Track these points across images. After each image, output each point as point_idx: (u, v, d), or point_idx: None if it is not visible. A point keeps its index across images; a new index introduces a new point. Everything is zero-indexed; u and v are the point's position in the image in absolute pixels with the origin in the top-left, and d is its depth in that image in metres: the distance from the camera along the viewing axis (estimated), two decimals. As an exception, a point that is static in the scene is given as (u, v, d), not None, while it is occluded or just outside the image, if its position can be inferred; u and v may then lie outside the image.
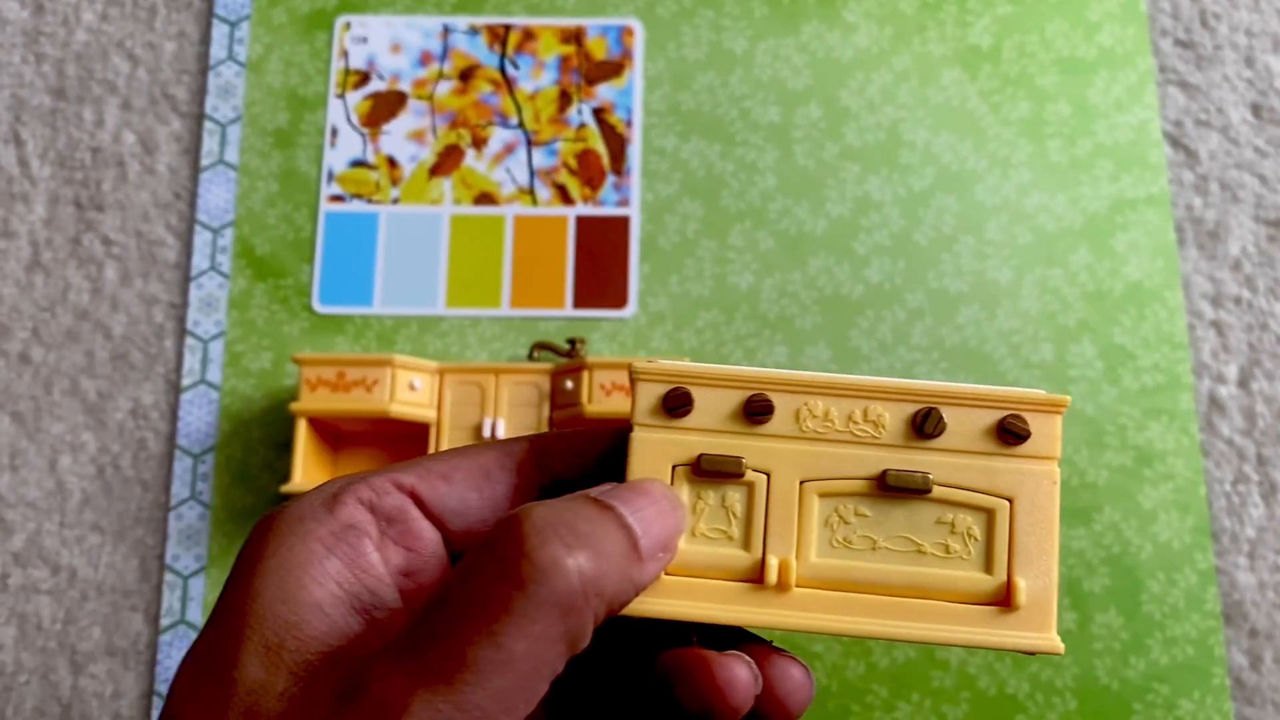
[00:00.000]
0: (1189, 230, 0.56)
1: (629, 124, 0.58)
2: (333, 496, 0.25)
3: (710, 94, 0.58)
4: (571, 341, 0.53)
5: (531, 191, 0.57)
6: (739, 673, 0.24)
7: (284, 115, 0.58)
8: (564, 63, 0.59)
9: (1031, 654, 0.28)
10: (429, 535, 0.25)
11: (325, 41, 0.59)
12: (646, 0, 0.59)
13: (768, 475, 0.26)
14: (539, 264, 0.56)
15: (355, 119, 0.58)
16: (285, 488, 0.49)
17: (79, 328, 0.55)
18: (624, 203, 0.56)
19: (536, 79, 0.58)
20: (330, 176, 0.57)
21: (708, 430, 0.27)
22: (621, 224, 0.56)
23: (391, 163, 0.57)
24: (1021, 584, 0.25)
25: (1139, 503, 0.52)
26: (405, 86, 0.58)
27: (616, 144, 0.57)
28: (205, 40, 0.59)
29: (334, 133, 0.58)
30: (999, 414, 0.26)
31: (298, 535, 0.24)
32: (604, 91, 0.58)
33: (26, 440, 0.54)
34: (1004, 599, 0.25)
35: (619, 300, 0.55)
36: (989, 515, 0.26)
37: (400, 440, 0.52)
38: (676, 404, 0.26)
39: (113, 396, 0.54)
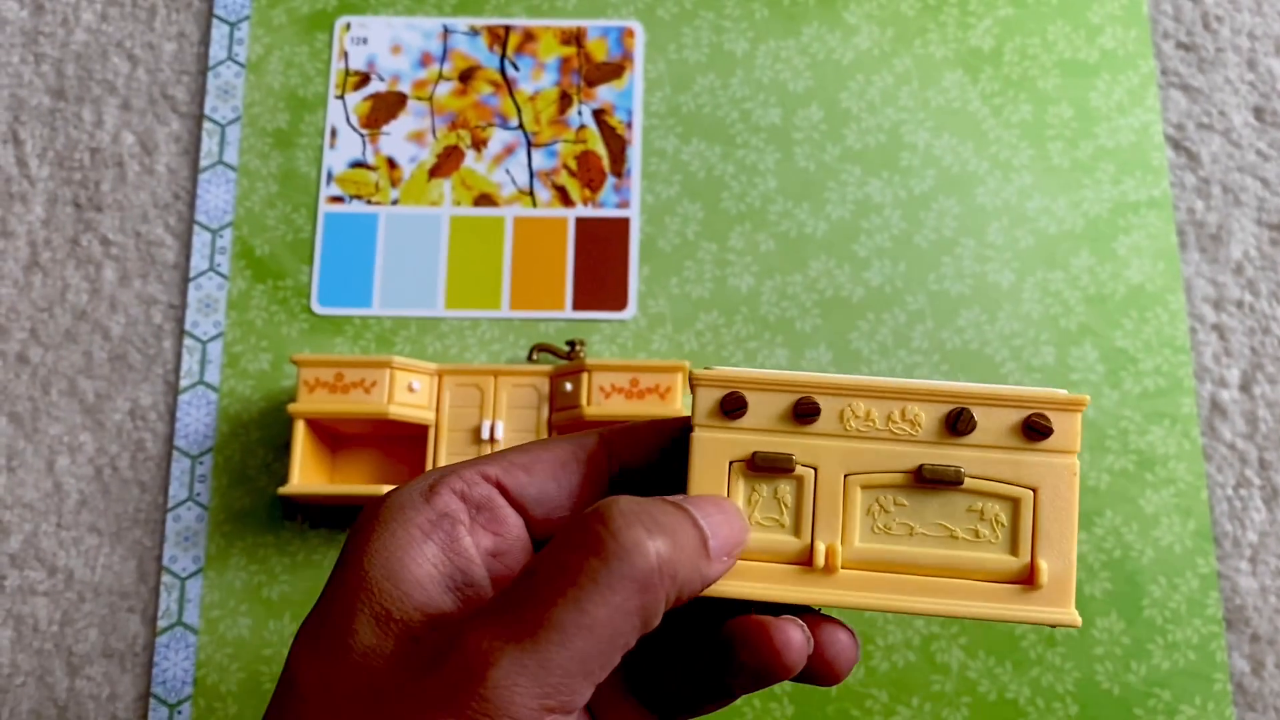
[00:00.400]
0: (1191, 233, 0.56)
1: (629, 125, 0.57)
2: (430, 487, 0.28)
3: (711, 96, 0.58)
4: (571, 343, 0.53)
5: (531, 193, 0.57)
6: (794, 635, 0.27)
7: (283, 116, 0.58)
8: (564, 64, 0.58)
9: (1054, 627, 0.32)
10: (514, 521, 0.29)
11: (325, 42, 0.59)
12: (647, 2, 0.59)
13: (815, 469, 0.30)
14: (539, 266, 0.55)
15: (355, 120, 0.58)
16: (283, 489, 0.48)
17: (77, 328, 0.55)
18: (624, 204, 0.56)
19: (536, 80, 0.58)
20: (330, 177, 0.57)
21: (761, 430, 0.30)
22: (621, 226, 0.56)
23: (391, 164, 0.57)
24: (1044, 565, 0.28)
25: (1140, 507, 0.52)
26: (405, 87, 0.58)
27: (616, 146, 0.57)
28: (205, 41, 0.59)
29: (334, 133, 0.57)
30: (1024, 412, 0.29)
31: (399, 521, 0.27)
32: (604, 93, 0.58)
33: (24, 441, 0.54)
34: (1028, 578, 0.28)
35: (619, 302, 0.55)
36: (1015, 504, 0.29)
37: (399, 442, 0.52)
38: (733, 406, 0.30)
39: (111, 397, 0.54)
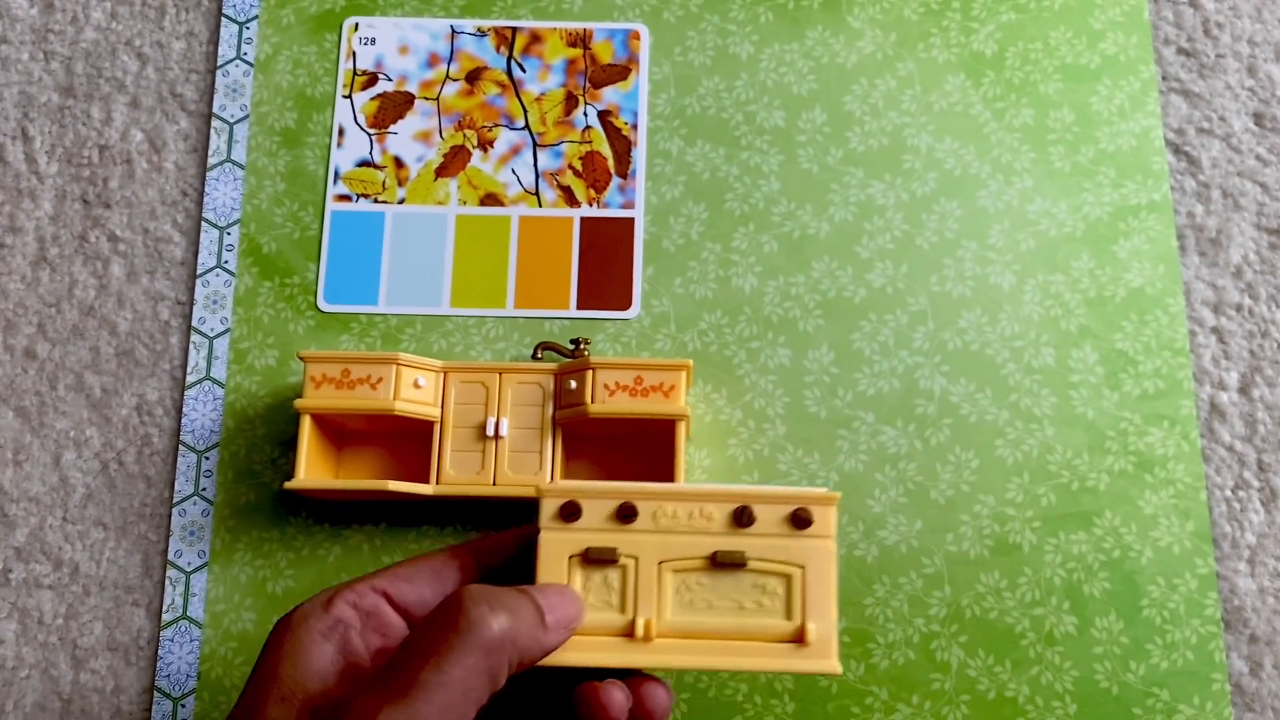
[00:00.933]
0: (1190, 237, 0.56)
1: (634, 127, 0.58)
2: (328, 600, 0.36)
3: (715, 98, 0.58)
4: (575, 341, 0.53)
5: (537, 193, 0.57)
6: (615, 694, 0.36)
7: (291, 115, 0.58)
8: (570, 66, 0.59)
9: (820, 675, 0.42)
10: (398, 623, 0.37)
11: (333, 42, 0.59)
12: (653, 5, 0.60)
13: (636, 559, 0.38)
14: (544, 265, 0.56)
15: (362, 119, 0.58)
16: (289, 484, 0.49)
17: (85, 324, 0.55)
18: (629, 205, 0.57)
19: (543, 81, 0.59)
20: (337, 176, 0.57)
21: (593, 529, 0.38)
22: (626, 226, 0.56)
23: (398, 163, 0.57)
24: (811, 626, 0.36)
25: (1139, 508, 0.52)
26: (412, 88, 0.59)
27: (622, 147, 0.58)
28: (214, 40, 0.59)
29: (341, 133, 0.58)
30: (792, 507, 0.38)
31: (304, 628, 0.35)
32: (610, 95, 0.58)
33: (30, 435, 0.54)
34: (799, 637, 0.36)
35: (623, 302, 0.55)
36: (788, 579, 0.37)
37: (404, 438, 0.53)
38: (570, 512, 0.38)
39: (117, 392, 0.54)
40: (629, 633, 0.37)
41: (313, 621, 0.36)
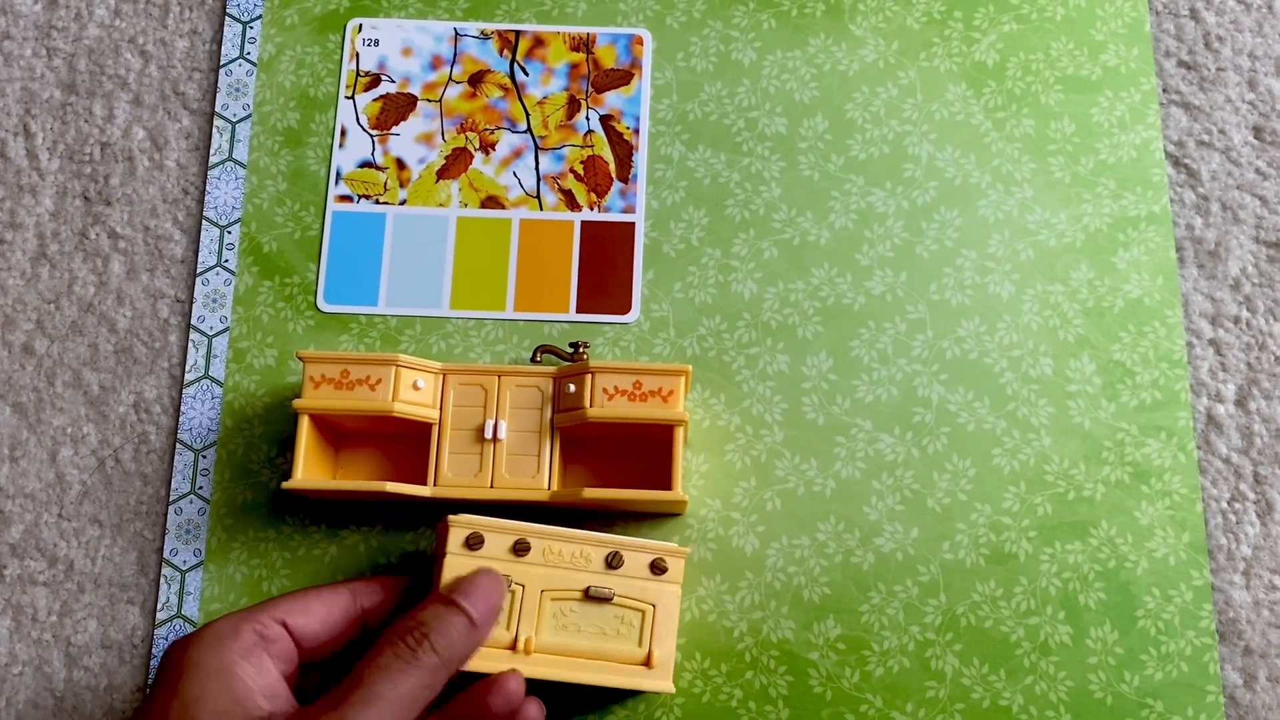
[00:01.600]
0: (1189, 249, 0.56)
1: (636, 132, 0.58)
2: (234, 627, 0.40)
3: (717, 104, 0.58)
4: (575, 345, 0.53)
5: (538, 196, 0.57)
6: (510, 681, 0.44)
7: (294, 115, 0.58)
8: (573, 70, 0.59)
9: (658, 692, 0.49)
10: (293, 652, 0.42)
11: (337, 43, 0.59)
12: (656, 10, 0.60)
13: (524, 587, 0.46)
14: (544, 268, 0.56)
15: (365, 120, 0.58)
16: (287, 484, 0.49)
17: (84, 320, 0.55)
18: (629, 209, 0.57)
19: (546, 85, 0.59)
20: (339, 176, 0.57)
21: (492, 558, 0.46)
22: (627, 230, 0.56)
23: (400, 164, 0.57)
24: (656, 652, 0.46)
25: (1135, 518, 0.52)
26: (415, 89, 0.59)
27: (623, 151, 0.58)
28: (217, 39, 0.59)
29: (343, 133, 0.58)
30: (652, 556, 0.47)
31: (218, 651, 0.39)
32: (612, 99, 0.59)
33: (28, 431, 0.54)
34: (647, 661, 0.46)
35: (623, 306, 0.55)
36: (643, 614, 0.46)
37: (402, 440, 0.53)
38: (475, 542, 0.46)
39: (115, 390, 0.54)
40: (512, 646, 0.45)
41: (229, 643, 0.39)
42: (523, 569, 0.46)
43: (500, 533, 0.46)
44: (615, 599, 0.46)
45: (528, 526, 0.46)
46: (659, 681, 0.46)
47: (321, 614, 0.43)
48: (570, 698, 0.50)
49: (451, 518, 0.46)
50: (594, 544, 0.47)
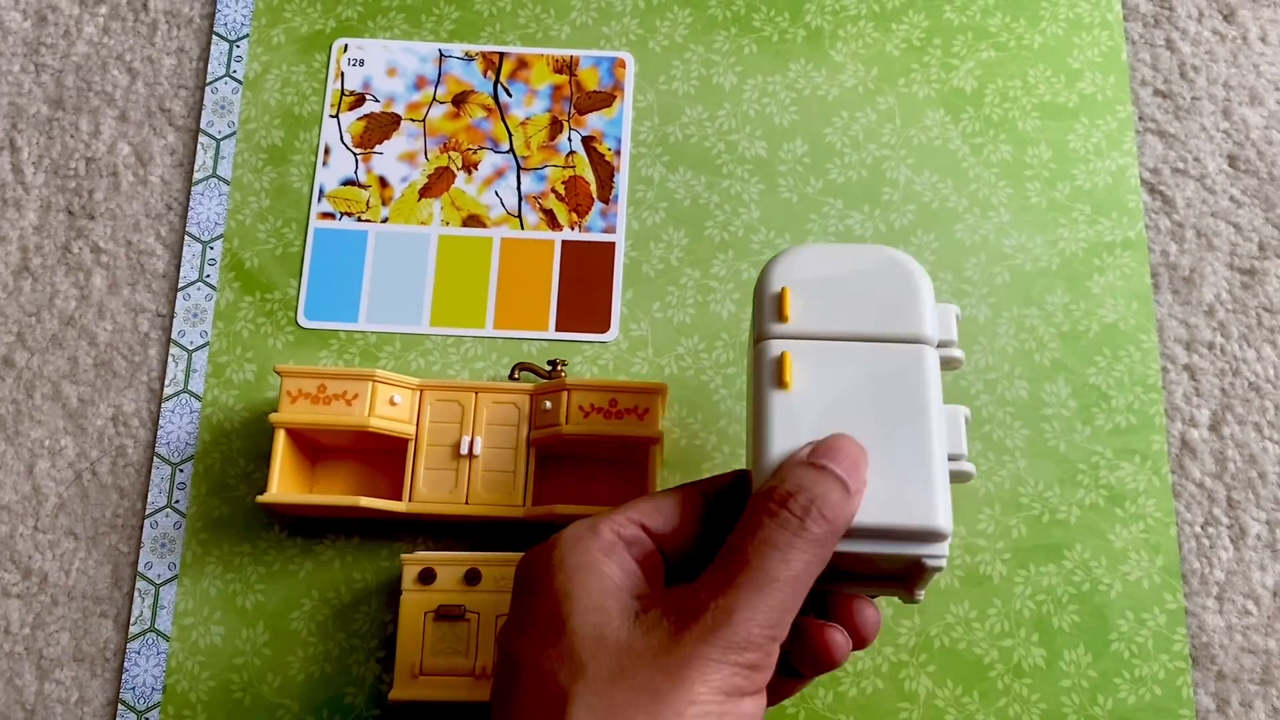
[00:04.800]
0: (1164, 275, 0.57)
1: (618, 153, 0.59)
2: (592, 527, 0.37)
3: (698, 127, 0.59)
4: (552, 363, 0.53)
5: (519, 215, 0.57)
6: (836, 637, 0.39)
7: (278, 133, 0.59)
8: (556, 91, 0.60)
9: None
10: (654, 551, 0.38)
11: (322, 63, 0.60)
12: (639, 34, 0.61)
13: (479, 614, 0.47)
14: (524, 287, 0.56)
15: (349, 139, 0.59)
16: (261, 498, 0.49)
17: (64, 334, 0.56)
18: (610, 229, 0.57)
19: (528, 106, 0.59)
20: (321, 194, 0.58)
21: (446, 590, 0.47)
22: (607, 250, 0.57)
23: (383, 182, 0.58)
24: None
25: (1109, 541, 0.52)
26: (399, 109, 0.59)
27: (605, 172, 0.58)
28: (204, 57, 0.60)
29: (327, 151, 0.58)
30: None
31: (582, 550, 0.37)
32: (594, 121, 0.59)
33: (5, 443, 0.54)
34: None
35: (602, 325, 0.56)
36: None
37: (378, 455, 0.53)
38: (427, 577, 0.48)
39: (94, 403, 0.55)
40: (471, 673, 0.46)
41: (588, 542, 0.37)
42: (476, 597, 0.47)
43: (451, 564, 0.48)
44: None
45: (478, 556, 0.47)
46: None
47: (672, 513, 0.39)
48: None
49: (404, 556, 0.48)
50: None
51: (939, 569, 0.37)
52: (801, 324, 0.39)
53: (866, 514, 0.36)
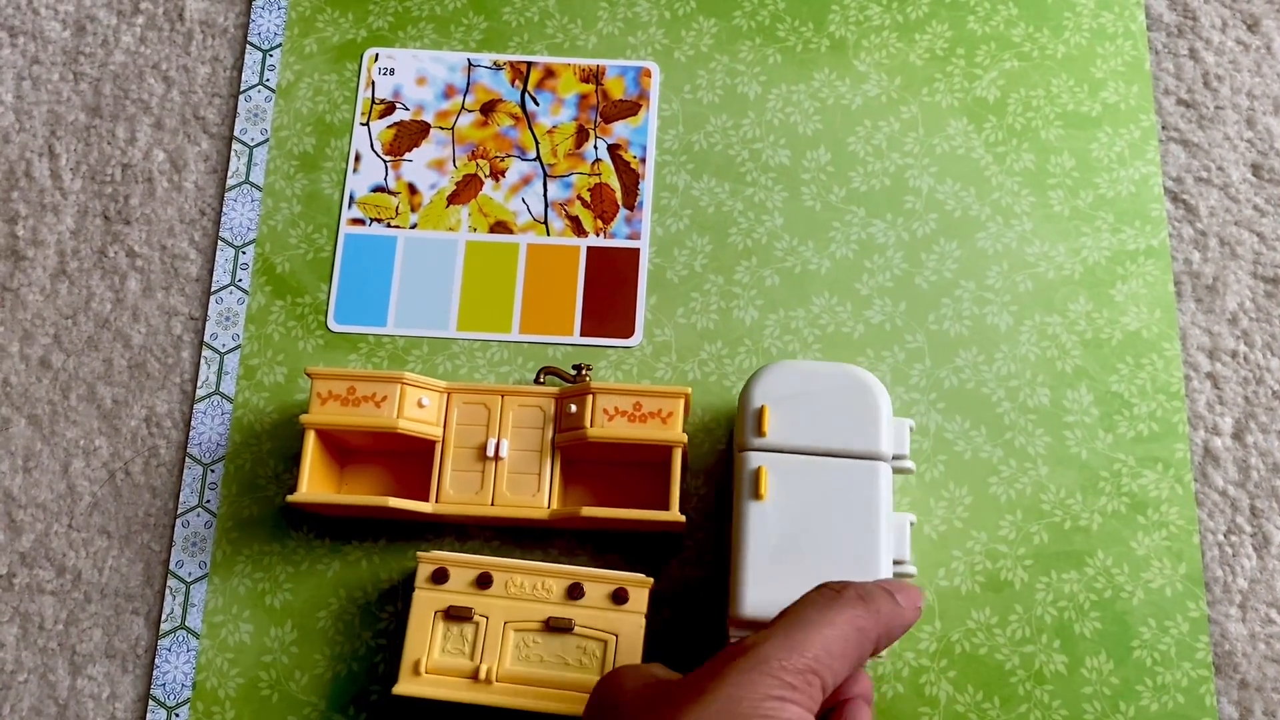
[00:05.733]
0: (1187, 284, 0.57)
1: (643, 161, 0.59)
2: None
3: (723, 135, 0.60)
4: (577, 367, 0.54)
5: (545, 222, 0.58)
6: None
7: (310, 140, 0.60)
8: (583, 100, 0.60)
9: None
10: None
11: (353, 72, 0.61)
12: (665, 44, 0.61)
13: (487, 618, 0.47)
14: (550, 292, 0.57)
15: (379, 146, 0.60)
16: (292, 498, 0.50)
17: (99, 336, 0.57)
18: (634, 236, 0.58)
19: (555, 115, 0.60)
20: (352, 200, 0.59)
21: (457, 591, 0.48)
22: (631, 256, 0.58)
23: (412, 189, 0.59)
24: None
25: (1132, 549, 0.52)
26: (428, 117, 0.60)
27: (630, 179, 0.59)
28: (238, 66, 0.61)
29: (357, 158, 0.59)
30: (614, 586, 0.47)
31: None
32: (620, 129, 0.60)
33: (41, 443, 0.55)
34: None
35: (626, 330, 0.56)
36: (604, 643, 0.47)
37: (406, 457, 0.54)
38: (440, 577, 0.48)
39: (128, 404, 0.56)
40: (475, 676, 0.46)
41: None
42: (486, 601, 0.47)
43: (464, 566, 0.48)
44: (576, 629, 0.47)
45: (491, 560, 0.48)
46: None
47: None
48: None
49: (420, 554, 0.48)
50: (555, 575, 0.48)
51: (880, 659, 0.44)
52: (776, 438, 0.46)
53: None
